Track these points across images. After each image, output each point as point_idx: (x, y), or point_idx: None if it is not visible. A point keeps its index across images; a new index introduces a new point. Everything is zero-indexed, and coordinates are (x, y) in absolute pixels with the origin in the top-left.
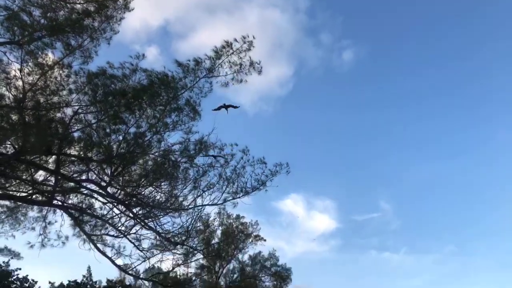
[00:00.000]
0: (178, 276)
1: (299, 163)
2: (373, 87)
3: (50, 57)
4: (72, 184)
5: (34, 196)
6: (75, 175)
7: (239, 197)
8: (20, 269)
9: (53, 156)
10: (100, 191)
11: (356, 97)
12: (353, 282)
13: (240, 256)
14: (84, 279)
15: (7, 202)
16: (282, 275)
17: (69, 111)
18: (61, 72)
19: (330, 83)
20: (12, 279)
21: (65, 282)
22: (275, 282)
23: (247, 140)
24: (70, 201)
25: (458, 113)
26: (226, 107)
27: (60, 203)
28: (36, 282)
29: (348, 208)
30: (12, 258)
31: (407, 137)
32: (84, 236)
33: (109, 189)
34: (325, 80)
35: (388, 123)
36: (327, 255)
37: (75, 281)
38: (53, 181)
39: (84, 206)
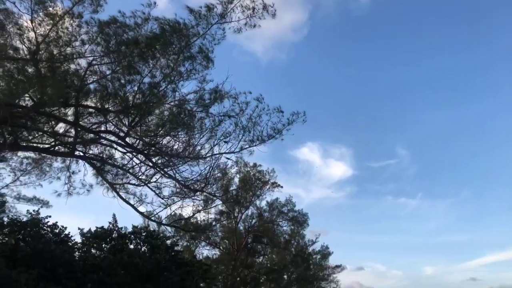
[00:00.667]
0: (199, 222)
1: (315, 112)
2: (389, 31)
3: (59, 6)
4: (91, 135)
5: (56, 148)
6: (94, 126)
7: (255, 145)
8: (50, 216)
9: (71, 108)
10: (119, 141)
11: (372, 41)
12: (368, 227)
13: (257, 202)
14: (111, 225)
15: (32, 154)
16: (299, 220)
17: (83, 62)
18: (72, 22)
19: (346, 28)
20: (42, 226)
21: (93, 229)
22: (292, 227)
23: (261, 88)
24: (91, 152)
25: (478, 56)
26: None
27: (81, 153)
28: (65, 228)
29: (364, 155)
30: (41, 207)
31: (425, 82)
32: (107, 185)
33: (127, 139)
34: (341, 25)
35: (406, 68)
36: (343, 201)
37: (102, 227)
38: (74, 132)
39: (104, 156)
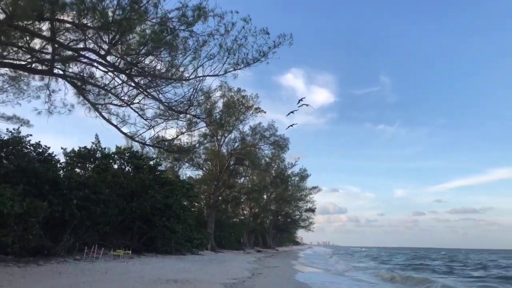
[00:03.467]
0: (183, 144)
1: (300, 37)
2: None
3: None
4: (70, 52)
5: (34, 65)
6: (72, 43)
7: (240, 69)
8: (31, 135)
9: (47, 23)
10: (100, 60)
11: None
12: (346, 152)
13: (241, 126)
14: (94, 146)
15: (8, 71)
16: (280, 144)
17: None
18: None
19: None
20: (24, 145)
21: (76, 149)
22: (273, 150)
23: (247, 10)
24: (70, 70)
25: None
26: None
27: (61, 72)
28: (48, 148)
29: (348, 82)
30: (21, 125)
31: (411, 10)
32: (89, 105)
33: (108, 58)
34: None
35: None
36: (323, 127)
37: (85, 147)
38: (51, 49)
39: (85, 75)
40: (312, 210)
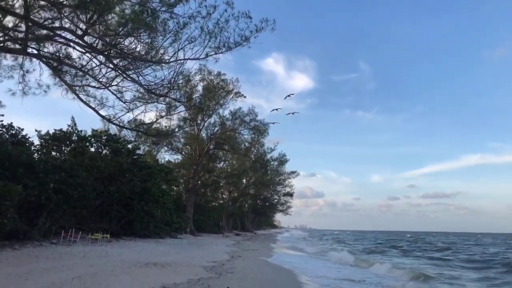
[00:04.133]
0: (161, 128)
1: (281, 22)
2: None
3: None
4: (45, 31)
5: (6, 44)
6: (47, 22)
7: (221, 53)
8: (2, 115)
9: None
10: (77, 40)
11: None
12: (324, 138)
13: (221, 111)
14: (70, 128)
15: None
16: (260, 129)
17: None
18: None
19: None
20: None
21: (51, 132)
22: (253, 135)
23: None
24: (45, 50)
25: None
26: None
27: (35, 51)
28: (22, 130)
29: (328, 68)
30: None
31: None
32: (66, 86)
33: (86, 39)
34: None
35: None
36: (303, 113)
37: (61, 130)
38: (24, 27)
39: (61, 55)
40: (290, 194)
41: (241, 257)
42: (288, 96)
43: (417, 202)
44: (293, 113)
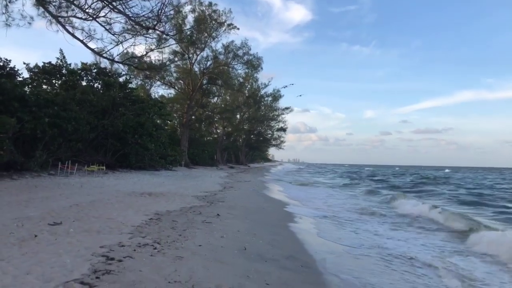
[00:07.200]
0: (153, 61)
1: None
2: None
3: None
4: None
5: None
6: None
7: None
8: None
9: None
10: None
11: None
12: (320, 73)
13: (213, 44)
14: (59, 61)
15: None
16: (254, 64)
17: None
18: None
19: None
20: None
21: (40, 64)
22: (246, 70)
23: None
24: None
25: None
26: None
27: None
28: (9, 61)
29: None
30: None
31: None
32: (50, 17)
33: None
34: None
35: None
36: (299, 47)
37: (49, 63)
38: None
39: None
40: (283, 129)
41: (233, 187)
42: (300, 95)
43: (409, 137)
44: (300, 95)
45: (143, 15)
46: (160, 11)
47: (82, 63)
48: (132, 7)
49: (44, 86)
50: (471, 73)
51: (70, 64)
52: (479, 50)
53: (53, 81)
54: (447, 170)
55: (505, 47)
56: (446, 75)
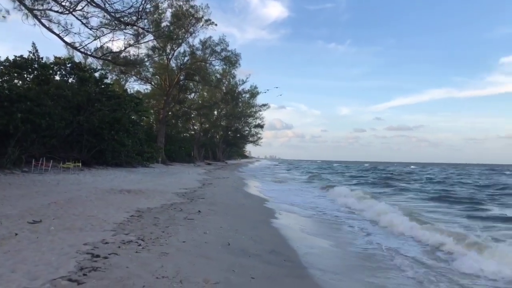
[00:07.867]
0: (130, 56)
1: None
2: None
3: None
4: None
5: None
6: None
7: None
8: None
9: None
10: None
11: None
12: (296, 70)
13: (190, 40)
14: (31, 55)
15: None
16: (231, 60)
17: None
18: None
19: None
20: None
21: (11, 58)
22: (224, 66)
23: None
24: None
25: None
26: None
27: None
28: None
29: None
30: None
31: None
32: (26, 11)
33: None
34: None
35: None
36: (276, 43)
37: (21, 56)
38: None
39: None
40: (260, 126)
41: (212, 184)
42: (280, 95)
43: (382, 134)
44: (280, 95)
45: (122, 11)
46: (140, 7)
47: (55, 57)
48: (114, 3)
49: (16, 81)
50: (442, 71)
51: (42, 58)
52: (450, 48)
53: (25, 75)
54: (412, 166)
55: (474, 45)
56: (418, 73)
